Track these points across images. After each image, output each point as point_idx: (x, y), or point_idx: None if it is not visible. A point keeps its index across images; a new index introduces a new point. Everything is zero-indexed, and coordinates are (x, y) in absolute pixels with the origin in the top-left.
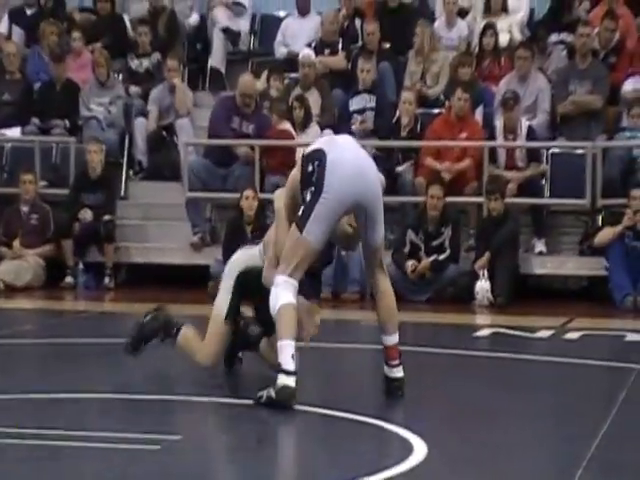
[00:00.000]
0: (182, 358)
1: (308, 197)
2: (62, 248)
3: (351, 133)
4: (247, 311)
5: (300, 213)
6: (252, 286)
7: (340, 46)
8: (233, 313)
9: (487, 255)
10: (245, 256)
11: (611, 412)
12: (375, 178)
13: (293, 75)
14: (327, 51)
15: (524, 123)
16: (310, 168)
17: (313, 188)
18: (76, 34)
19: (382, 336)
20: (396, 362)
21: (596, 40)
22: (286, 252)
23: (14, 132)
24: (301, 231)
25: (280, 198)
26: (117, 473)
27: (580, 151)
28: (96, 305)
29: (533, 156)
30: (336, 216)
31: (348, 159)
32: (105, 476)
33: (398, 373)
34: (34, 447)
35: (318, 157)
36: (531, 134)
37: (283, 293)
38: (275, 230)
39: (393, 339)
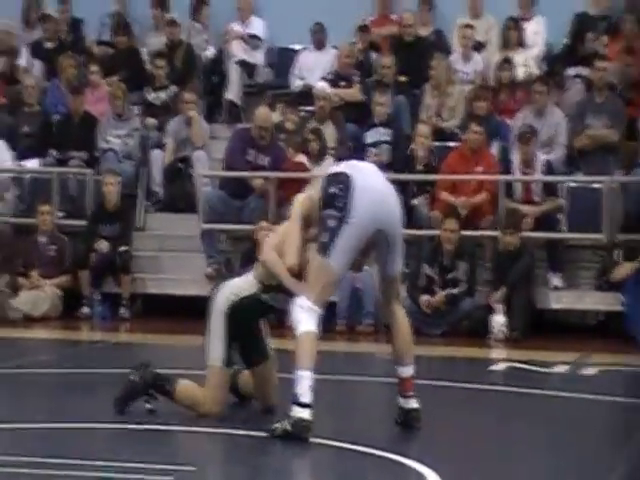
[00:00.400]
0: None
1: (333, 223)
2: (79, 279)
3: None
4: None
5: (325, 239)
6: (240, 321)
7: (355, 79)
8: (229, 356)
9: (503, 289)
10: (226, 293)
11: (627, 450)
12: (397, 206)
13: (309, 108)
14: (343, 84)
15: (541, 157)
16: (333, 190)
17: (339, 213)
18: (94, 67)
19: (397, 367)
20: (411, 393)
21: (613, 75)
22: (310, 277)
23: (33, 163)
24: (326, 256)
25: (297, 206)
26: None
27: (598, 185)
28: (112, 335)
29: (550, 190)
30: (360, 243)
31: (373, 185)
32: None
33: (414, 404)
34: (48, 477)
35: (342, 181)
36: (548, 168)
37: (306, 320)
38: (288, 228)
39: (409, 370)
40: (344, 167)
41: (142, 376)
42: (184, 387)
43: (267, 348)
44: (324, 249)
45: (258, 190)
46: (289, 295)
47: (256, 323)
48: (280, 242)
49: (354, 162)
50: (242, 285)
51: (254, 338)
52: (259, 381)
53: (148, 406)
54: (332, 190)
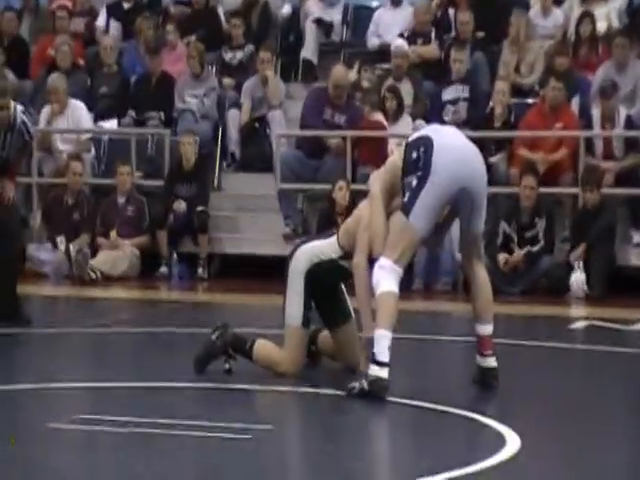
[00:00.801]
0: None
1: (414, 182)
2: (157, 239)
3: (444, 123)
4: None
5: (406, 199)
6: (320, 283)
7: (433, 36)
8: (308, 316)
9: (583, 246)
10: (307, 254)
11: None
12: (481, 165)
13: (385, 66)
14: (420, 41)
15: (622, 112)
16: (415, 155)
17: (420, 173)
18: (171, 27)
19: (477, 325)
20: (490, 352)
21: None
22: (392, 237)
23: (111, 124)
24: (407, 216)
25: (375, 183)
26: (209, 462)
27: None
28: (190, 295)
29: (632, 146)
30: (443, 202)
31: (456, 145)
32: (200, 465)
33: (493, 362)
34: (129, 435)
35: (424, 143)
36: (629, 123)
37: (387, 279)
38: (371, 214)
39: (488, 329)
40: (425, 131)
41: (221, 336)
42: (262, 347)
43: (348, 309)
44: (406, 209)
45: (334, 149)
46: (370, 264)
47: (336, 286)
48: (359, 225)
49: (436, 125)
50: (323, 249)
51: (334, 300)
52: (341, 342)
53: (227, 366)
54: (414, 155)
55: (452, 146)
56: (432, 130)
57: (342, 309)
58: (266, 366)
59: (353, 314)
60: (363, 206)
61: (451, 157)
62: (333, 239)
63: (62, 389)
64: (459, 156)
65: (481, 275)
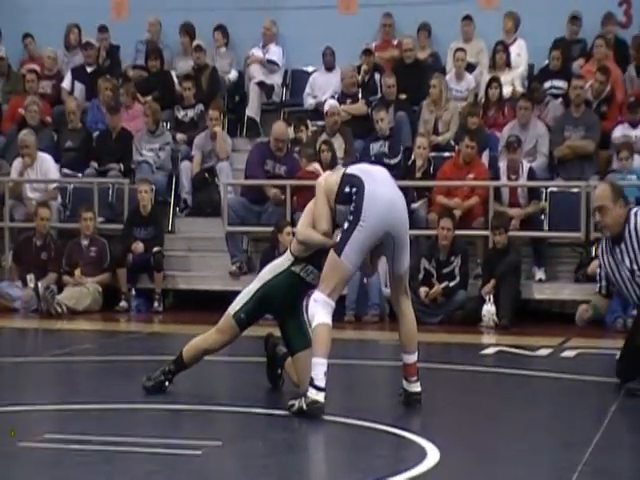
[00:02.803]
0: (223, 373)
1: (345, 226)
2: (117, 276)
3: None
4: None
5: (339, 239)
6: (276, 295)
7: (360, 96)
8: (242, 315)
9: (493, 282)
10: (274, 265)
11: (603, 423)
12: (405, 212)
13: (320, 123)
14: (349, 101)
15: (525, 165)
16: (347, 190)
17: (351, 217)
18: (129, 88)
19: (403, 355)
20: (415, 378)
21: (589, 92)
22: (325, 274)
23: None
24: (339, 255)
25: (321, 184)
26: (163, 475)
27: (575, 190)
28: (147, 326)
29: (533, 194)
30: (370, 244)
31: (383, 193)
32: (153, 479)
33: (417, 388)
34: (90, 452)
35: (357, 185)
36: (531, 175)
37: (321, 312)
38: (316, 203)
39: (413, 357)
40: (359, 171)
41: (152, 374)
42: (188, 345)
43: (307, 336)
44: (338, 249)
45: (273, 198)
46: (320, 269)
47: (292, 301)
48: (309, 220)
49: (368, 167)
50: (279, 263)
51: (295, 323)
52: (299, 368)
53: (167, 383)
54: (347, 190)
55: (381, 194)
56: (364, 172)
57: (301, 335)
58: (195, 349)
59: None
60: (300, 221)
61: (379, 205)
62: (287, 253)
63: (30, 411)
64: (387, 203)
65: (407, 311)
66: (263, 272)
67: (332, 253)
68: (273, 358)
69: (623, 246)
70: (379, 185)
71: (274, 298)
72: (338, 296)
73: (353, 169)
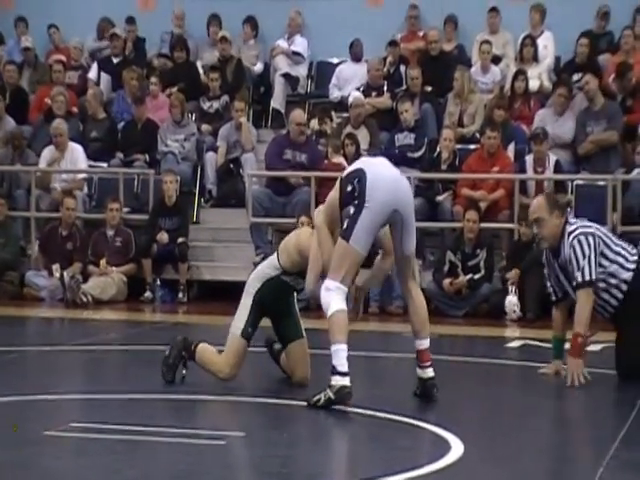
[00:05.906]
0: (246, 364)
1: (352, 210)
2: (142, 267)
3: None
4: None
5: (345, 226)
6: (270, 299)
7: (385, 89)
8: (249, 329)
9: (516, 270)
10: (261, 272)
11: (630, 417)
12: (409, 190)
13: (345, 115)
14: (374, 93)
15: (552, 157)
16: (350, 187)
17: (356, 202)
18: (154, 79)
19: (416, 341)
20: (428, 363)
21: (614, 85)
22: (335, 261)
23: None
24: (348, 240)
25: (319, 215)
26: (187, 465)
27: (601, 183)
28: (171, 317)
29: (560, 187)
30: (378, 225)
31: (385, 174)
32: (176, 468)
33: (430, 373)
34: (114, 441)
35: (357, 175)
36: (558, 167)
37: (336, 300)
38: (319, 244)
39: (425, 343)
40: (357, 165)
41: (172, 348)
42: (203, 349)
43: (299, 327)
44: (346, 234)
45: (295, 184)
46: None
47: (285, 300)
48: (329, 212)
49: (365, 158)
50: (266, 270)
51: (286, 316)
52: (290, 358)
53: (184, 371)
54: (349, 188)
55: (383, 175)
56: (363, 163)
57: (293, 326)
58: (204, 364)
59: (304, 333)
60: (300, 231)
61: (383, 184)
62: (273, 257)
63: (56, 400)
64: (390, 183)
65: (417, 297)
66: (250, 282)
67: (340, 240)
68: (270, 354)
69: (561, 261)
70: (380, 167)
71: (268, 302)
72: (350, 281)
73: (350, 167)
